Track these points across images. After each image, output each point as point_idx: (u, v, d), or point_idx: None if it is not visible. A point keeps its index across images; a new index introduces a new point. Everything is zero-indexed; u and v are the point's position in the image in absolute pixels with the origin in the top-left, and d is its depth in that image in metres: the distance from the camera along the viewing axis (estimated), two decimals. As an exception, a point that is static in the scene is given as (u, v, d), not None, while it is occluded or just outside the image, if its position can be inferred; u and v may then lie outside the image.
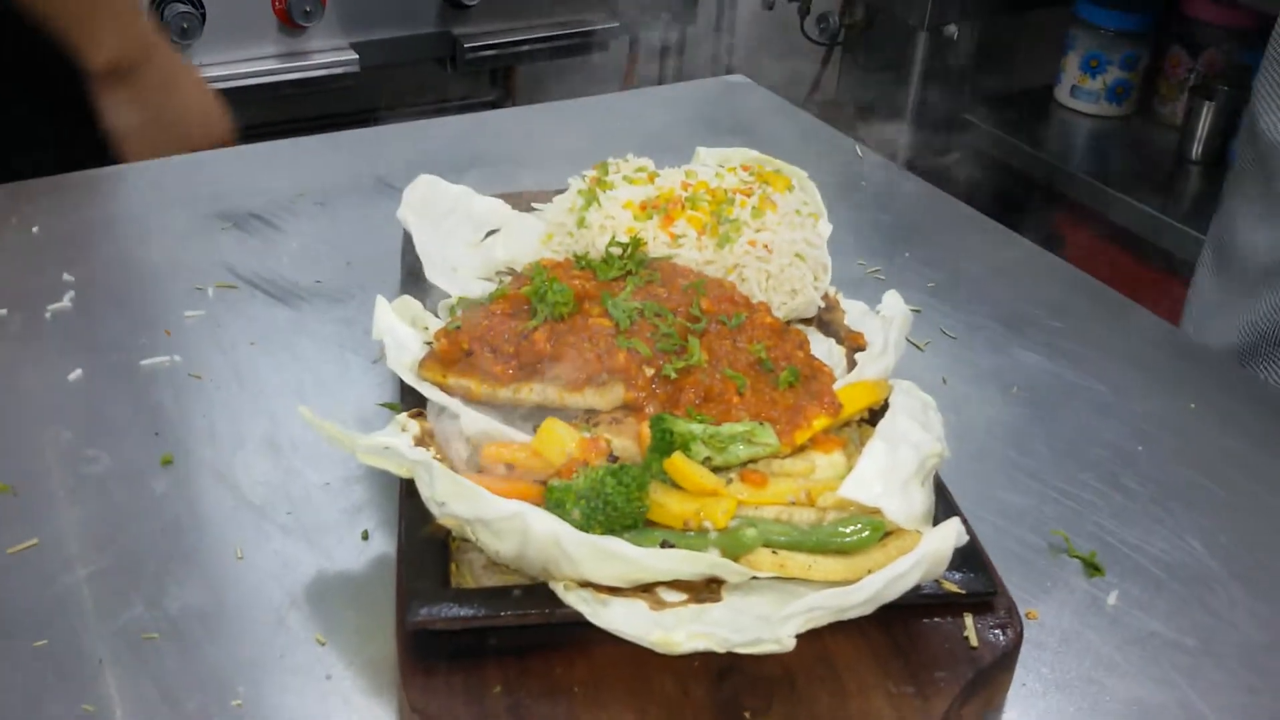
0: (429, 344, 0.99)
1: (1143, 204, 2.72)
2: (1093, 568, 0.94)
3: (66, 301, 1.21)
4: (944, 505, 0.89)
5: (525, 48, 2.91)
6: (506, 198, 1.27)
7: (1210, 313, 1.57)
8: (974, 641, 0.80)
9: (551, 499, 0.82)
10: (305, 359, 1.15)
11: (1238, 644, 0.88)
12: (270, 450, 1.03)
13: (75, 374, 1.11)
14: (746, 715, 0.75)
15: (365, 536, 0.94)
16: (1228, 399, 1.16)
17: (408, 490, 0.85)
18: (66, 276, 1.25)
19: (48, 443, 1.02)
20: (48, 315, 1.19)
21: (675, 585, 0.81)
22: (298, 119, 2.52)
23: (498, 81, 3.13)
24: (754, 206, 1.10)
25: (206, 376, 1.11)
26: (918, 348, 1.21)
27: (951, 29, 3.02)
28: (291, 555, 0.92)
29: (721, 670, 0.78)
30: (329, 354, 1.16)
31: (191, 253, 1.31)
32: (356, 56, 2.59)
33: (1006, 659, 0.81)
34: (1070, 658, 0.86)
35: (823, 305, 1.11)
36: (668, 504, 0.83)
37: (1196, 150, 2.85)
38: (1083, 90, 3.06)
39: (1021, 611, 0.84)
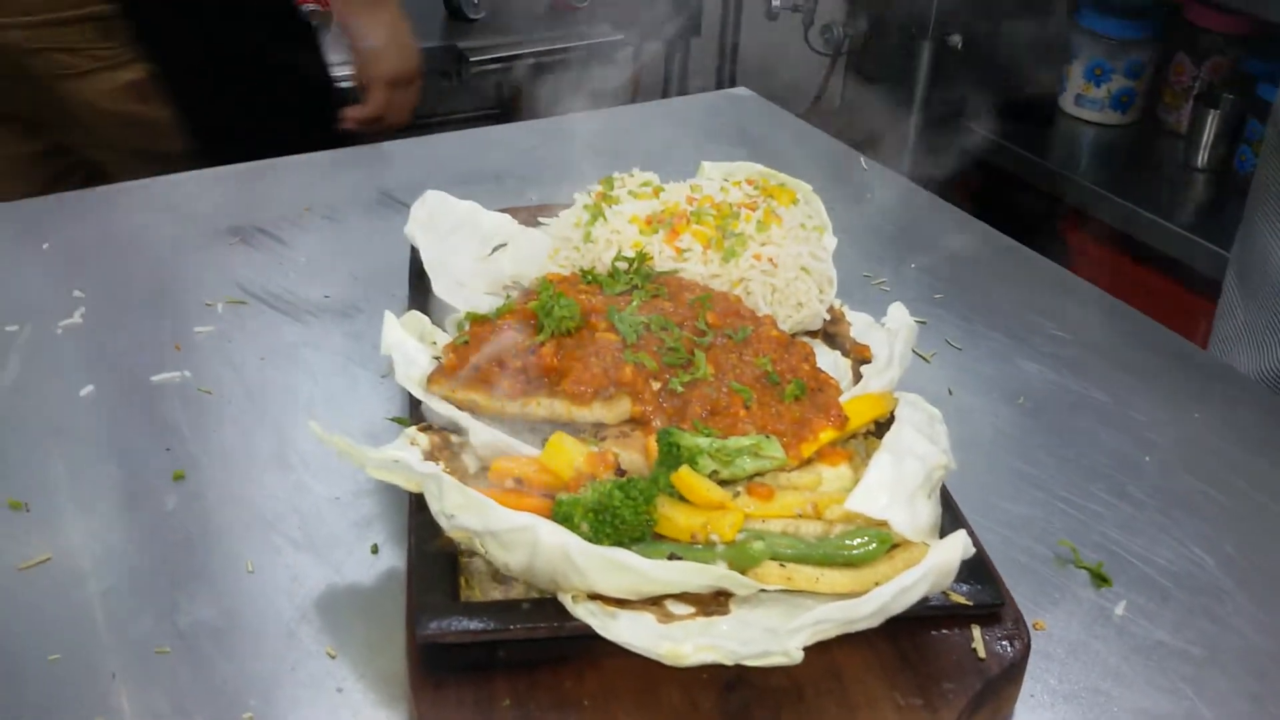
0: (437, 359, 1.00)
1: (1148, 212, 2.72)
2: (1100, 578, 0.94)
3: (77, 317, 1.22)
4: (950, 517, 0.89)
5: (531, 61, 2.92)
6: (513, 212, 1.28)
7: (1239, 338, 1.52)
8: (982, 653, 0.81)
9: (560, 512, 0.82)
10: (314, 374, 1.16)
11: (1243, 652, 0.88)
12: (280, 465, 1.03)
13: (87, 390, 1.11)
14: (755, 727, 0.76)
15: (375, 550, 0.94)
16: (1233, 408, 1.16)
17: (417, 504, 0.86)
18: (77, 293, 1.26)
19: (59, 458, 1.03)
20: (59, 331, 1.20)
21: (683, 598, 0.81)
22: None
23: (503, 95, 3.14)
24: (759, 220, 1.11)
25: (217, 392, 1.12)
26: (923, 359, 1.21)
27: (955, 38, 3.03)
28: (302, 569, 0.92)
29: (729, 682, 0.78)
30: (337, 369, 1.16)
31: (201, 268, 1.32)
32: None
33: (1014, 670, 0.81)
34: (1078, 668, 0.87)
35: (828, 318, 1.11)
36: (675, 517, 0.83)
37: (1202, 158, 2.85)
38: (1087, 99, 3.06)
39: (1029, 622, 0.84)
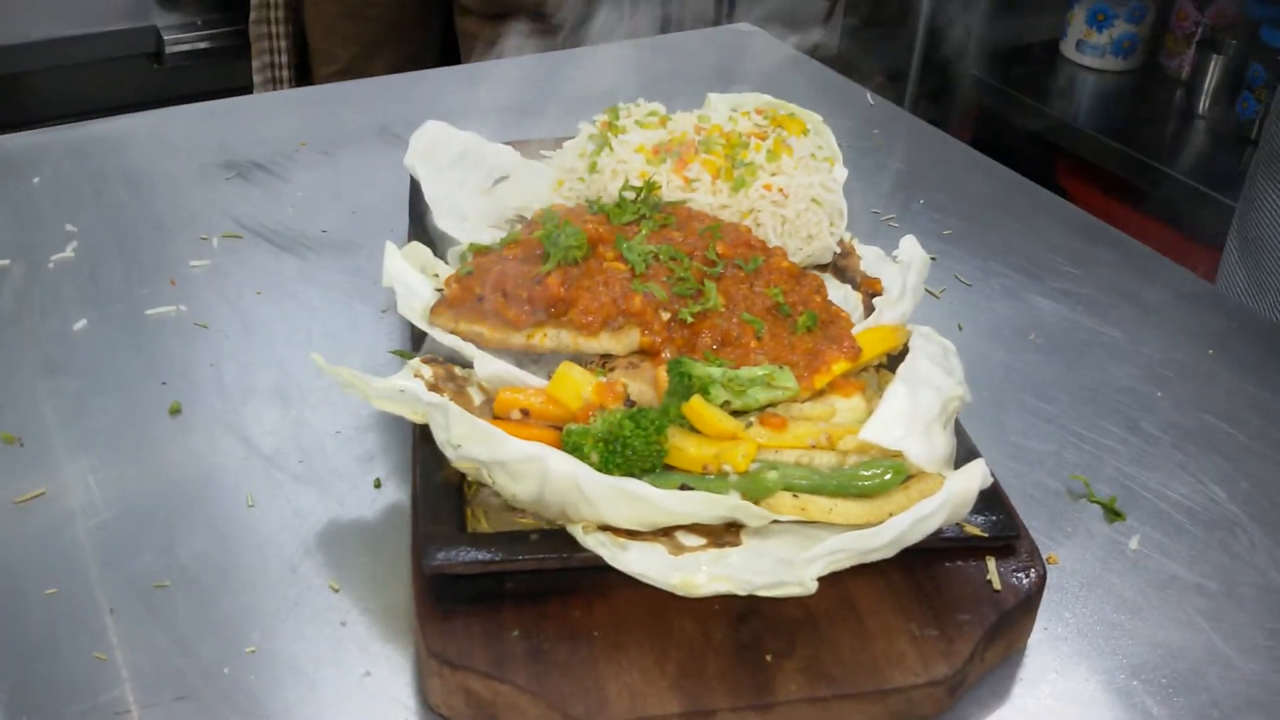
0: (440, 290, 0.97)
1: (1148, 158, 2.70)
2: (1113, 513, 0.93)
3: (70, 252, 1.19)
4: (964, 449, 0.88)
5: None
6: (515, 145, 1.25)
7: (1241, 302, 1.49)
8: (997, 585, 0.80)
9: (569, 443, 0.80)
10: (313, 308, 1.13)
11: (1259, 587, 0.87)
12: (279, 399, 1.01)
13: (80, 324, 1.09)
14: (768, 658, 0.74)
15: (378, 484, 0.93)
16: (1246, 345, 1.15)
17: (422, 436, 0.84)
18: (69, 227, 1.23)
19: (54, 393, 1.01)
20: (51, 266, 1.17)
21: (694, 530, 0.80)
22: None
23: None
24: (769, 150, 1.09)
25: (213, 326, 1.10)
26: (933, 295, 1.19)
27: (957, -19, 2.99)
28: (303, 504, 0.91)
29: (742, 613, 0.77)
30: (337, 303, 1.14)
31: (195, 203, 1.29)
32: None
33: (1029, 602, 0.80)
34: (1092, 601, 0.86)
35: (838, 251, 1.09)
36: (686, 448, 0.82)
37: (1203, 104, 2.82)
38: (1089, 44, 3.02)
39: (1042, 556, 0.83)
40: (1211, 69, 2.79)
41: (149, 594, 0.83)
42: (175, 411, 0.99)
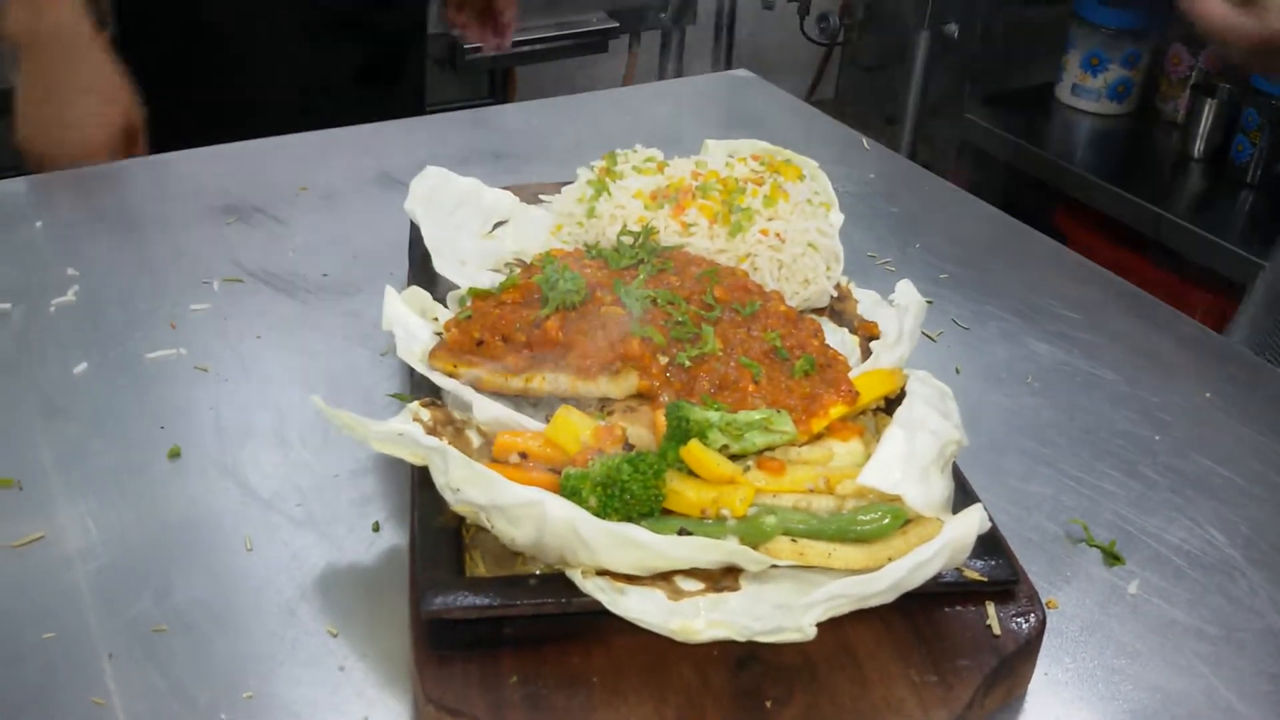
0: (439, 334, 0.98)
1: (1144, 201, 2.72)
2: (1112, 556, 0.93)
3: (71, 295, 1.20)
4: (962, 493, 0.88)
5: (525, 48, 2.90)
6: (514, 190, 1.26)
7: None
8: (996, 630, 0.79)
9: (567, 487, 0.81)
10: (312, 351, 1.14)
11: (1259, 631, 0.87)
12: (278, 442, 1.01)
13: (81, 367, 1.09)
14: (768, 704, 0.74)
15: (376, 528, 0.93)
16: (1243, 390, 1.15)
17: (421, 479, 0.84)
18: (70, 271, 1.24)
19: (53, 436, 1.01)
20: (52, 309, 1.18)
21: (692, 574, 0.80)
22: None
23: (496, 83, 3.13)
24: (765, 195, 1.10)
25: (213, 369, 1.10)
26: (930, 338, 1.20)
27: (952, 27, 3.02)
28: (301, 547, 0.90)
29: (741, 659, 0.77)
30: (336, 346, 1.14)
31: (196, 246, 1.30)
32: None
33: (1029, 647, 0.80)
34: (1092, 646, 0.85)
35: (835, 295, 1.10)
36: (685, 492, 0.82)
37: (1198, 148, 2.85)
38: (1084, 88, 3.06)
39: (1042, 601, 0.83)
40: (1206, 113, 2.82)
41: (147, 638, 0.82)
42: (174, 455, 0.99)
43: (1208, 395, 1.13)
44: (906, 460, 0.83)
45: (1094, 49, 2.99)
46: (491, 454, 0.88)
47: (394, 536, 0.92)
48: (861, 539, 0.81)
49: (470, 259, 1.15)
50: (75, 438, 1.01)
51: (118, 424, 1.03)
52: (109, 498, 0.95)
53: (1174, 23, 2.92)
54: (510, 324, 0.95)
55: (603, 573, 0.78)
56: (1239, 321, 1.51)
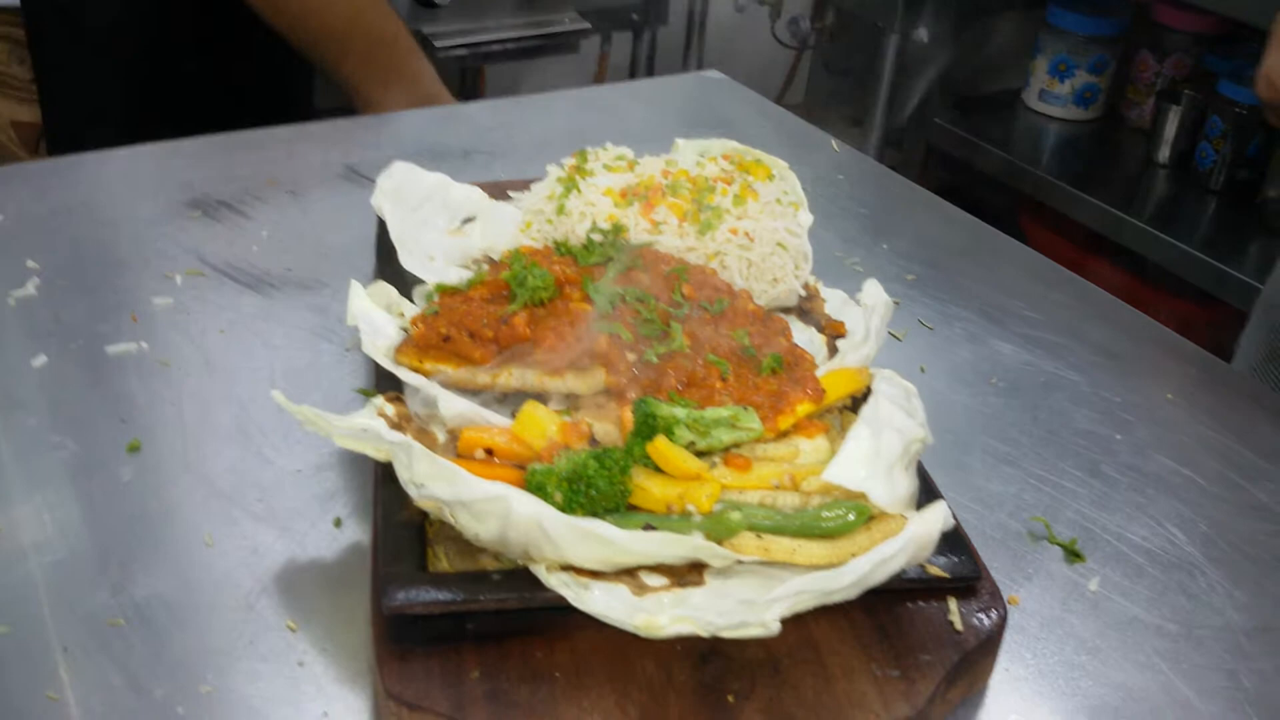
0: (405, 330, 0.97)
1: (1109, 206, 2.75)
2: (1073, 554, 0.94)
3: (31, 288, 1.18)
4: (926, 491, 0.88)
5: (495, 47, 2.90)
6: (483, 186, 1.25)
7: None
8: (958, 625, 0.80)
9: (533, 482, 0.80)
10: (276, 347, 1.13)
11: (1218, 628, 0.88)
12: (240, 437, 1.00)
13: (40, 360, 1.08)
14: (730, 699, 0.74)
15: (338, 524, 0.92)
16: (1204, 390, 1.16)
17: (384, 475, 0.84)
18: (31, 263, 1.22)
19: (11, 429, 1.00)
20: (11, 302, 1.16)
21: (657, 570, 0.79)
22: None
23: (467, 81, 3.11)
24: (735, 194, 1.10)
25: (175, 364, 1.09)
26: (896, 338, 1.20)
27: (922, 32, 3.04)
28: (262, 542, 0.90)
29: (704, 654, 0.77)
30: (300, 342, 1.14)
31: (159, 240, 1.28)
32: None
33: (990, 643, 0.80)
34: (1052, 643, 0.86)
35: (803, 294, 1.10)
36: (650, 488, 0.82)
37: (1163, 154, 2.88)
38: (1051, 94, 3.08)
39: (1003, 597, 0.83)
40: (1171, 119, 2.84)
41: (103, 632, 0.81)
42: (134, 449, 0.98)
43: (1169, 396, 1.15)
44: (871, 458, 0.83)
45: (1062, 55, 3.02)
46: (456, 450, 0.87)
47: (356, 532, 0.91)
48: (826, 535, 0.81)
49: (438, 255, 1.14)
50: (33, 431, 1.00)
51: (77, 417, 1.02)
52: (67, 491, 0.93)
53: (1140, 29, 2.95)
54: (478, 320, 0.94)
55: (567, 568, 0.77)
56: (1242, 347, 1.51)
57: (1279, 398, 1.19)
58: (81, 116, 1.68)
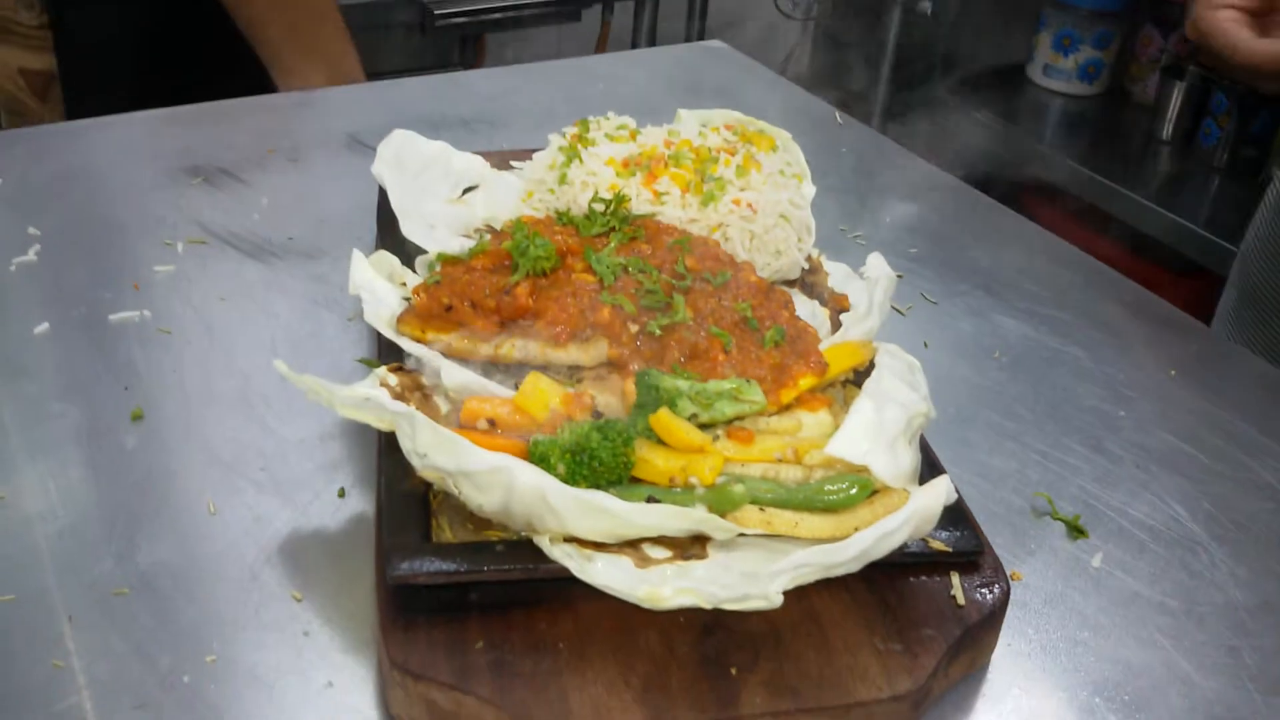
0: (407, 299, 0.97)
1: (1111, 182, 2.74)
2: (1076, 530, 0.94)
3: (32, 255, 1.18)
4: (929, 465, 0.88)
5: (496, 15, 2.88)
6: (484, 156, 1.25)
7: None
8: (961, 600, 0.80)
9: (536, 454, 0.80)
10: (278, 315, 1.12)
11: (1220, 605, 0.88)
12: (243, 406, 1.00)
13: (41, 328, 1.08)
14: (733, 671, 0.74)
15: (341, 494, 0.92)
16: (1207, 367, 1.16)
17: (387, 445, 0.84)
18: (32, 230, 1.21)
19: (13, 396, 0.99)
20: (12, 268, 1.16)
21: (660, 542, 0.79)
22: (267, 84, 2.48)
23: (467, 50, 3.10)
24: (738, 165, 1.09)
25: (176, 331, 1.09)
26: (900, 312, 1.20)
27: (926, 5, 3.02)
28: (265, 511, 0.90)
29: (707, 626, 0.77)
30: (302, 310, 1.13)
31: (160, 207, 1.28)
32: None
33: (993, 618, 0.80)
34: (1055, 618, 0.86)
35: (806, 267, 1.09)
36: (654, 460, 0.82)
37: (1166, 130, 2.86)
38: (1055, 69, 3.07)
39: (1006, 572, 0.83)
40: (1175, 96, 2.83)
41: (108, 601, 0.81)
42: (137, 417, 0.98)
43: (1173, 373, 1.14)
44: (874, 431, 0.83)
45: (1066, 29, 3.00)
46: (459, 420, 0.87)
47: (360, 502, 0.91)
48: (828, 509, 0.81)
49: (439, 223, 1.13)
50: (36, 398, 0.99)
51: (80, 385, 1.01)
52: (70, 459, 0.93)
53: (1145, 4, 2.93)
54: (480, 290, 0.94)
55: (570, 540, 0.77)
56: (1220, 314, 1.51)
57: (1281, 375, 1.18)
58: (96, 61, 1.67)
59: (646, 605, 0.74)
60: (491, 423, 0.86)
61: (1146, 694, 0.80)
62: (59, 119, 1.64)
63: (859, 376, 0.94)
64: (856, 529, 0.79)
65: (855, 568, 0.77)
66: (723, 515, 0.79)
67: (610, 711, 0.71)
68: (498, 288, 0.93)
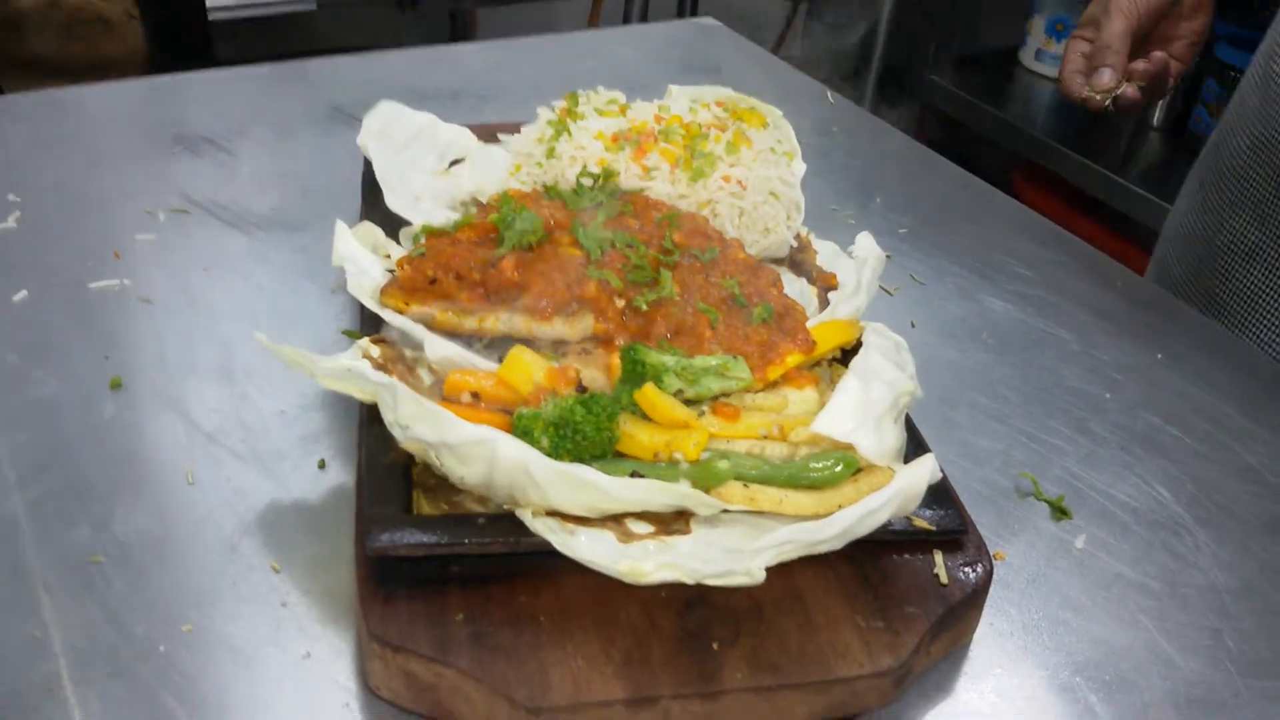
0: (391, 271, 0.96)
1: (1102, 168, 2.73)
2: (1060, 511, 0.94)
3: (11, 222, 1.16)
4: (914, 443, 0.88)
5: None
6: (472, 128, 1.23)
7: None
8: (944, 579, 0.80)
9: (519, 427, 0.79)
10: (260, 286, 1.11)
11: (1202, 587, 0.88)
12: (223, 377, 0.99)
13: (20, 295, 1.06)
14: (714, 646, 0.74)
15: (322, 465, 0.91)
16: (1194, 351, 1.16)
17: (369, 416, 0.83)
18: (12, 197, 1.20)
19: (-10, 363, 0.98)
20: (-9, 235, 1.14)
21: (643, 517, 0.79)
22: (251, 57, 2.46)
23: (458, 25, 3.07)
24: (728, 141, 1.08)
25: (157, 301, 1.08)
26: (887, 292, 1.19)
27: (919, -13, 3.01)
28: (245, 482, 0.89)
29: (689, 601, 0.76)
30: (285, 281, 1.12)
31: (142, 176, 1.26)
32: (313, -6, 2.53)
33: (976, 596, 0.80)
34: (1037, 598, 0.86)
35: (795, 245, 1.09)
36: (638, 435, 0.81)
37: (1158, 117, 2.86)
38: (1047, 54, 3.06)
39: (989, 552, 0.83)
40: (1165, 82, 2.81)
41: (84, 569, 0.80)
42: (116, 386, 0.97)
43: (1159, 356, 1.14)
44: (860, 410, 0.83)
45: (1059, 14, 2.99)
46: (442, 393, 0.86)
47: (340, 475, 0.90)
48: (813, 486, 0.80)
49: (424, 195, 1.12)
50: (14, 366, 0.98)
51: (59, 354, 1.00)
52: (48, 427, 0.92)
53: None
54: (465, 263, 0.93)
55: (553, 513, 0.77)
56: (1151, 267, 1.52)
57: (1271, 362, 1.18)
58: None
59: (629, 580, 0.73)
60: (475, 395, 0.85)
61: (1128, 674, 0.80)
62: None
63: (846, 355, 0.93)
64: (841, 506, 0.78)
65: (839, 545, 0.76)
66: (707, 491, 0.78)
67: (591, 685, 0.70)
68: (483, 261, 0.92)
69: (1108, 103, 1.26)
